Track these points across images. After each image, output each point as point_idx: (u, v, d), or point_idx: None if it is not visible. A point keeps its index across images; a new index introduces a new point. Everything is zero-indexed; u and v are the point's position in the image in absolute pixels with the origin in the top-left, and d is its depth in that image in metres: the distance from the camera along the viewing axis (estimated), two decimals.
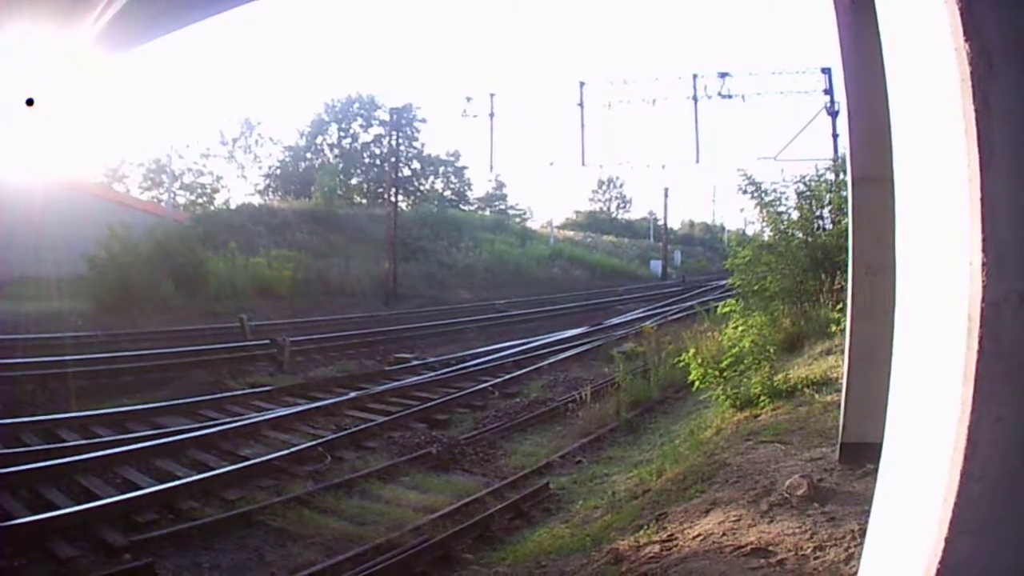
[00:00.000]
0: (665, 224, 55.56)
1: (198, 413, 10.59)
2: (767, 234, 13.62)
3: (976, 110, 1.71)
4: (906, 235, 2.23)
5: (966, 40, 1.72)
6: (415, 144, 56.72)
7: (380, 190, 49.13)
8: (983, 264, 1.69)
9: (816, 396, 7.38)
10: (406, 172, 54.00)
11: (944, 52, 1.78)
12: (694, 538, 4.63)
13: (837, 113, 22.37)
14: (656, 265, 52.60)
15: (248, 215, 33.79)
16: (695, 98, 25.54)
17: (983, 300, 1.69)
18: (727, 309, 9.77)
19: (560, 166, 49.68)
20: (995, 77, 1.70)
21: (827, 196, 12.87)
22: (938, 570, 1.76)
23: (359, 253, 31.22)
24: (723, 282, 26.16)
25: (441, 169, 61.76)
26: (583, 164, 28.52)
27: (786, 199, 13.22)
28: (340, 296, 26.80)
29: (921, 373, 2.09)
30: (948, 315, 1.82)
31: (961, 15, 1.73)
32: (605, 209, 78.71)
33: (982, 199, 1.69)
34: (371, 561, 5.75)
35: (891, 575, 2.11)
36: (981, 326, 1.69)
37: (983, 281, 1.69)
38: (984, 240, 1.69)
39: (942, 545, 1.75)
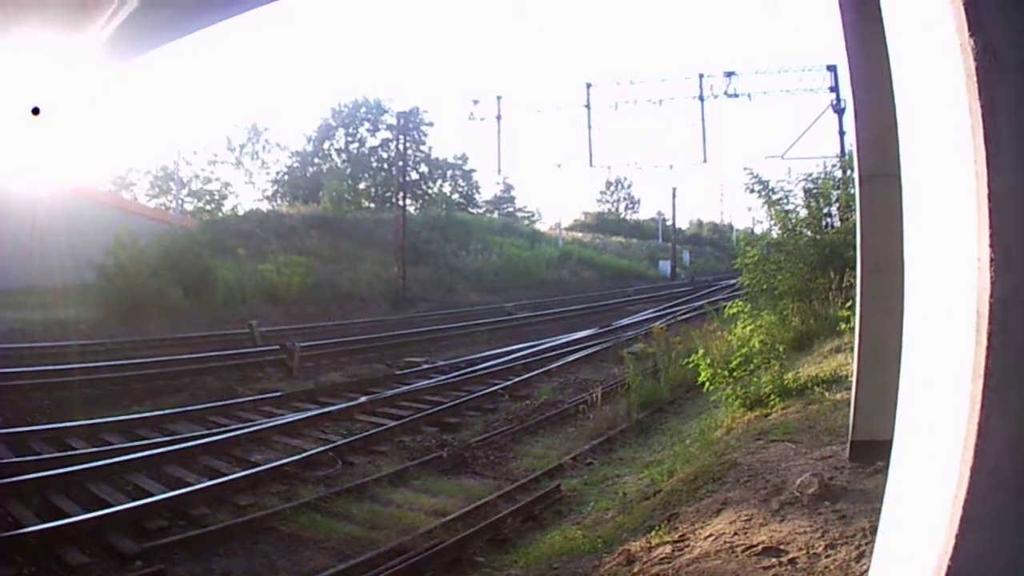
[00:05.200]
0: (674, 224, 55.42)
1: (208, 419, 10.63)
2: (775, 233, 13.62)
3: (982, 106, 1.70)
4: (914, 232, 2.22)
5: (971, 36, 1.71)
6: (422, 148, 56.75)
7: (388, 194, 49.26)
8: (991, 260, 1.68)
9: (826, 394, 7.36)
10: (414, 176, 54.08)
11: (949, 48, 1.78)
12: (706, 538, 4.63)
13: (843, 110, 22.39)
14: (665, 265, 52.49)
15: (256, 221, 33.81)
16: (701, 98, 25.57)
17: (992, 296, 1.68)
18: (734, 310, 9.73)
19: (568, 168, 49.80)
20: (1001, 72, 1.70)
21: (834, 193, 12.87)
22: (949, 567, 1.75)
23: (368, 257, 31.24)
24: (732, 281, 26.11)
25: (449, 172, 61.70)
26: (591, 165, 28.54)
27: (794, 197, 13.24)
28: (349, 301, 26.80)
29: (931, 370, 2.08)
30: (957, 311, 1.81)
31: (966, 11, 1.72)
32: (613, 210, 78.61)
33: (989, 195, 1.69)
34: (382, 566, 5.74)
35: (902, 573, 2.10)
36: (990, 322, 1.69)
37: (991, 277, 1.68)
38: (992, 236, 1.68)
39: (953, 542, 1.75)
